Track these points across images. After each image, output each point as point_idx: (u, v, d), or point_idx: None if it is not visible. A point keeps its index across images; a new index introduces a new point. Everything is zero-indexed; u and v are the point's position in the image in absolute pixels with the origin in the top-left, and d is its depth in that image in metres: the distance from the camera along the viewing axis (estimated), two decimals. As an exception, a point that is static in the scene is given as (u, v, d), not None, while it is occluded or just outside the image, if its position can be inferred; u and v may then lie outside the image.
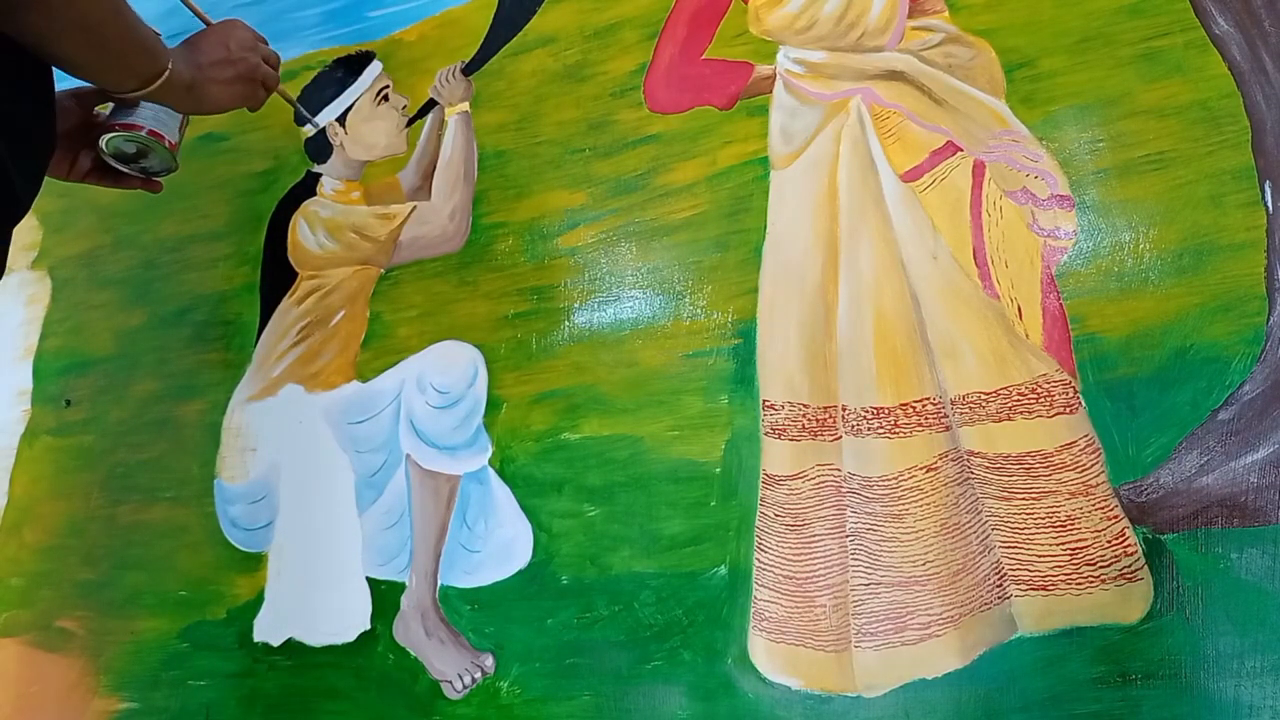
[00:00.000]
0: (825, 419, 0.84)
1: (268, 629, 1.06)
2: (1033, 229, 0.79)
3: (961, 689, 0.75)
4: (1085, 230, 0.78)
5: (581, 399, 0.94)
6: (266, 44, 0.95)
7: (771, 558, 0.83)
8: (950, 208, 0.82)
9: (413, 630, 0.98)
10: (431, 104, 1.11)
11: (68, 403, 1.26)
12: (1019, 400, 0.77)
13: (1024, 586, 0.75)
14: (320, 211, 1.15)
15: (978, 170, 0.82)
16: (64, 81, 0.86)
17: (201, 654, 1.09)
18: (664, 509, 0.88)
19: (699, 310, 0.91)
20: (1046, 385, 0.76)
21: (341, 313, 1.11)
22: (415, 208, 1.09)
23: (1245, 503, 0.69)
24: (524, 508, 0.94)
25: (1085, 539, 0.73)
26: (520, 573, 0.93)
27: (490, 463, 0.97)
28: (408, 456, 1.02)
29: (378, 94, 1.15)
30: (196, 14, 1.00)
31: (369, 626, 1.00)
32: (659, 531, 0.88)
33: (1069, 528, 0.74)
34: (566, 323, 0.97)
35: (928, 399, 0.80)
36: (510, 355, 0.99)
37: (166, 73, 0.84)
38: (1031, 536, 0.75)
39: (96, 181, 0.97)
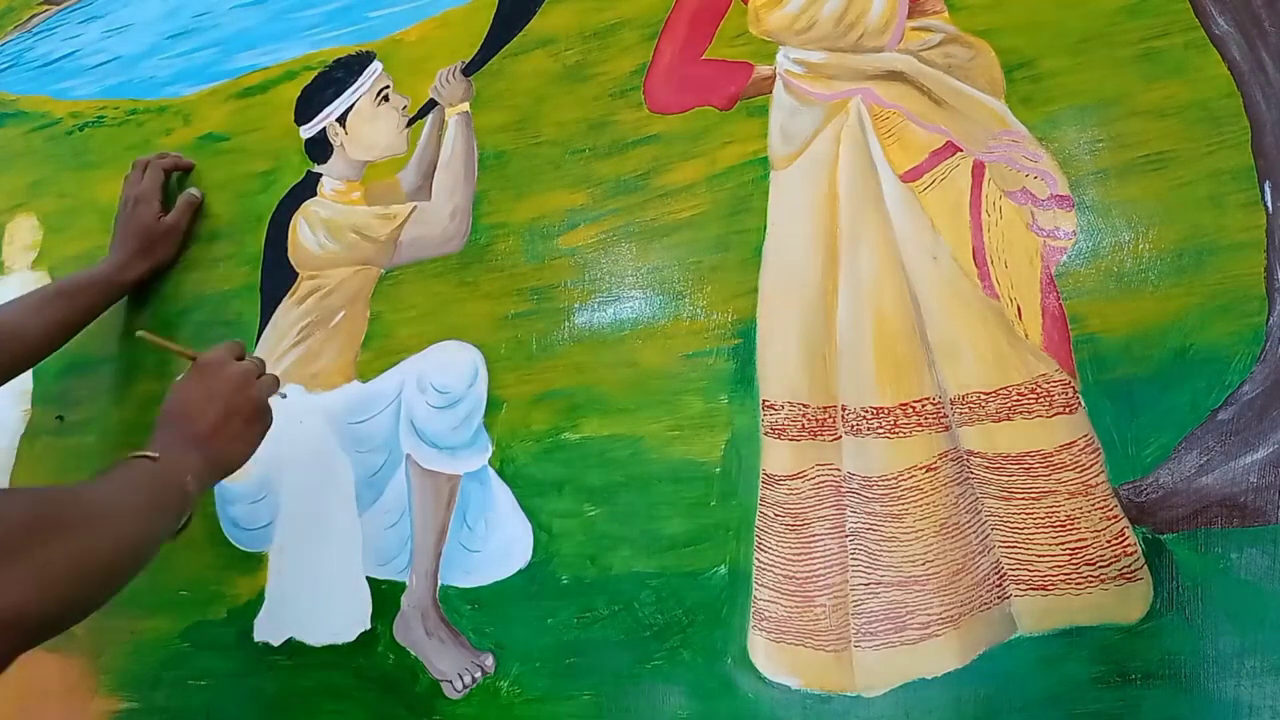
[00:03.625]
0: (825, 419, 0.84)
1: (268, 629, 1.06)
2: (1032, 229, 0.80)
3: (961, 689, 0.75)
4: (1085, 230, 0.78)
5: (581, 399, 0.94)
6: (244, 354, 0.95)
7: (771, 557, 0.83)
8: (950, 208, 0.83)
9: (413, 630, 0.98)
10: (432, 104, 1.11)
11: (60, 419, 1.26)
12: (1019, 400, 0.77)
13: (1023, 586, 0.75)
14: (320, 212, 1.15)
15: (977, 170, 0.82)
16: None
17: (201, 654, 1.09)
18: (664, 509, 0.88)
19: (699, 310, 0.91)
20: (1046, 385, 0.76)
21: (342, 313, 1.11)
22: (416, 208, 1.09)
23: (1245, 503, 0.69)
24: (524, 508, 0.95)
25: (1085, 539, 0.73)
26: (520, 572, 0.93)
27: (490, 463, 0.97)
28: (408, 456, 1.02)
29: (378, 94, 1.15)
30: (185, 354, 0.99)
31: (369, 626, 1.00)
32: (659, 531, 0.88)
33: (1068, 528, 0.74)
34: (566, 323, 0.97)
35: (927, 399, 0.80)
36: (510, 355, 0.99)
37: (189, 493, 0.82)
38: (1031, 536, 0.75)
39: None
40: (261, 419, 0.93)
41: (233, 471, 0.91)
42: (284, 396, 1.03)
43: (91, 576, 0.70)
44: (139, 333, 1.06)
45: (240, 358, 0.95)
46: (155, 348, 1.06)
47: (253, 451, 0.93)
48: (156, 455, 0.82)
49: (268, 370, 0.98)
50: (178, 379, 0.93)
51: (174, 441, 0.86)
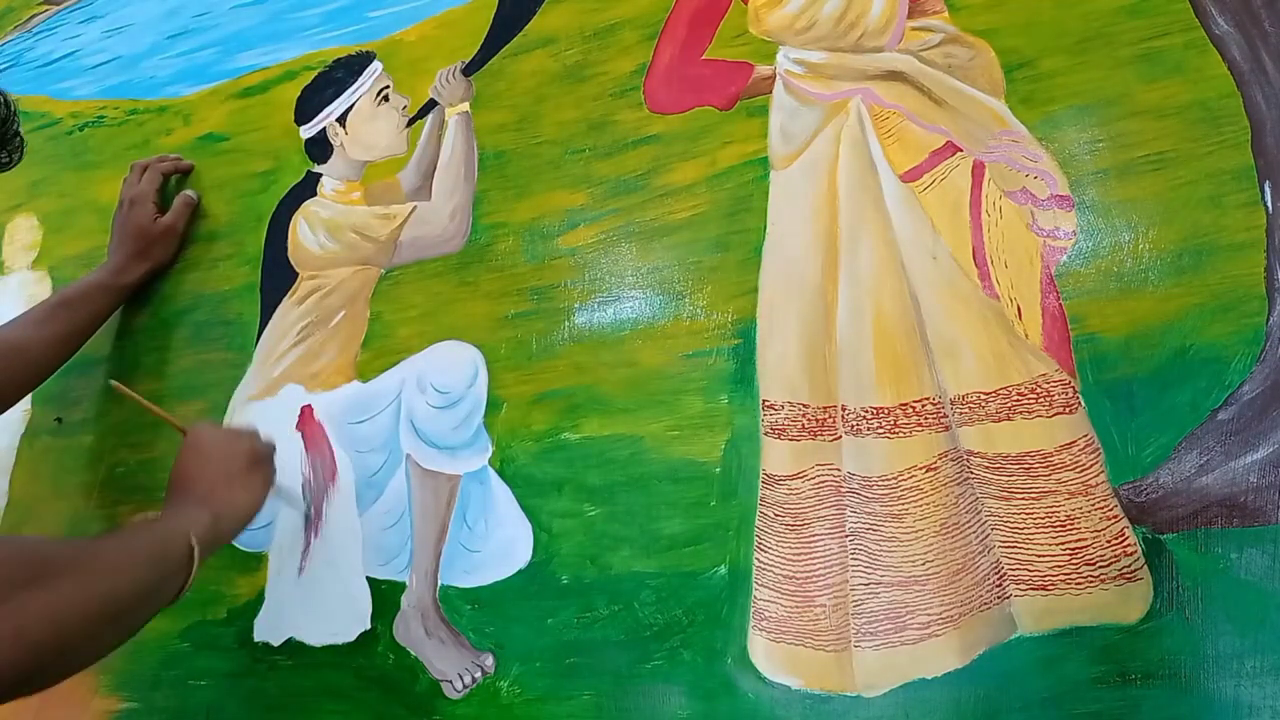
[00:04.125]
0: (825, 419, 0.84)
1: (268, 629, 1.06)
2: (1032, 229, 0.80)
3: (961, 689, 0.75)
4: (1085, 230, 0.78)
5: (581, 399, 0.94)
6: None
7: (771, 557, 0.83)
8: (950, 208, 0.83)
9: (413, 630, 0.98)
10: (432, 104, 1.11)
11: (58, 421, 1.26)
12: (1019, 400, 0.77)
13: (1023, 586, 0.75)
14: (320, 212, 1.15)
15: (977, 170, 0.82)
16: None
17: (201, 654, 1.09)
18: (664, 509, 0.88)
19: (699, 310, 0.91)
20: (1046, 385, 0.76)
21: (342, 313, 1.11)
22: (416, 208, 1.09)
23: (1245, 503, 0.69)
24: (524, 507, 0.95)
25: (1085, 539, 0.73)
26: (520, 572, 0.93)
27: (490, 463, 0.97)
28: (408, 456, 1.02)
29: (378, 94, 1.15)
30: (169, 421, 1.03)
31: (369, 626, 1.00)
32: (659, 531, 0.88)
33: (1068, 527, 0.74)
34: (566, 323, 0.97)
35: (927, 399, 0.80)
36: (510, 355, 0.99)
37: (195, 553, 0.80)
38: (1031, 536, 0.75)
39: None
40: (258, 467, 0.94)
41: (245, 521, 0.91)
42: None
43: (74, 630, 0.66)
44: (111, 382, 1.07)
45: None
46: (130, 401, 1.07)
47: (260, 498, 0.93)
48: (157, 516, 0.83)
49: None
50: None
51: (176, 505, 0.87)
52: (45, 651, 0.63)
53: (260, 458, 0.95)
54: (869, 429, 0.81)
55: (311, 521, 1.04)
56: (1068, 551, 0.74)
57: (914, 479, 0.79)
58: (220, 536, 0.87)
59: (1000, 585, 0.76)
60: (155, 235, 1.20)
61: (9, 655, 0.60)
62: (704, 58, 0.96)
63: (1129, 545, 0.72)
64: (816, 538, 0.82)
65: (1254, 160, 0.74)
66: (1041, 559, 0.74)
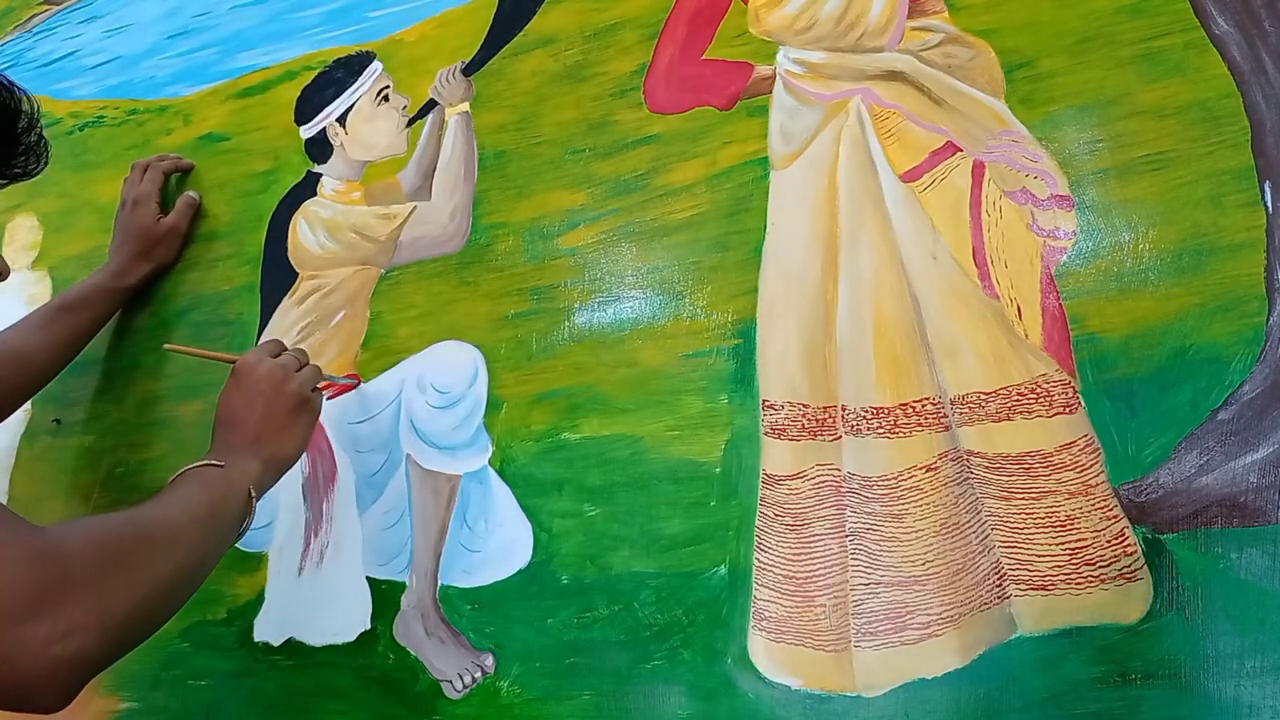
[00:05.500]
0: (825, 419, 0.84)
1: (268, 629, 1.06)
2: (1032, 229, 0.80)
3: (961, 689, 0.75)
4: (1085, 230, 0.78)
5: (581, 399, 0.94)
6: (280, 351, 0.96)
7: (771, 557, 0.83)
8: (950, 208, 0.83)
9: (413, 630, 0.98)
10: (432, 104, 1.11)
11: (57, 422, 1.26)
12: (1019, 400, 0.77)
13: (1023, 586, 0.75)
14: (320, 212, 1.15)
15: (977, 170, 0.82)
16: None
17: (201, 654, 1.09)
18: (664, 509, 0.88)
19: (699, 310, 0.91)
20: (1046, 385, 0.76)
21: (342, 313, 1.11)
22: (416, 208, 1.09)
23: (1245, 503, 0.69)
24: (524, 507, 0.95)
25: (1085, 539, 0.73)
26: (520, 572, 0.93)
27: (490, 463, 0.97)
28: (408, 456, 1.02)
29: (378, 94, 1.15)
30: (221, 359, 1.01)
31: (369, 626, 1.00)
32: (659, 531, 0.88)
33: (1068, 527, 0.74)
34: (566, 323, 0.97)
35: (927, 399, 0.80)
36: (510, 355, 0.99)
37: (252, 503, 0.84)
38: (1031, 536, 0.75)
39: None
40: (304, 410, 0.94)
41: (290, 465, 0.93)
42: (355, 384, 1.06)
43: (153, 604, 0.70)
44: (165, 345, 1.07)
45: (277, 354, 0.96)
46: (188, 356, 1.07)
47: (304, 443, 0.94)
48: (222, 464, 0.84)
49: (310, 360, 1.00)
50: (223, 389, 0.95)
51: (228, 450, 0.88)
52: (127, 628, 0.67)
53: (306, 400, 0.94)
54: (869, 429, 0.81)
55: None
56: (1068, 551, 0.74)
57: (914, 479, 0.79)
58: (268, 483, 0.90)
59: (1000, 585, 0.76)
60: (159, 235, 1.20)
61: (95, 640, 0.63)
62: (704, 58, 0.96)
63: (1129, 545, 0.72)
64: (816, 538, 0.82)
65: (1254, 160, 0.73)
66: (1041, 559, 0.74)
